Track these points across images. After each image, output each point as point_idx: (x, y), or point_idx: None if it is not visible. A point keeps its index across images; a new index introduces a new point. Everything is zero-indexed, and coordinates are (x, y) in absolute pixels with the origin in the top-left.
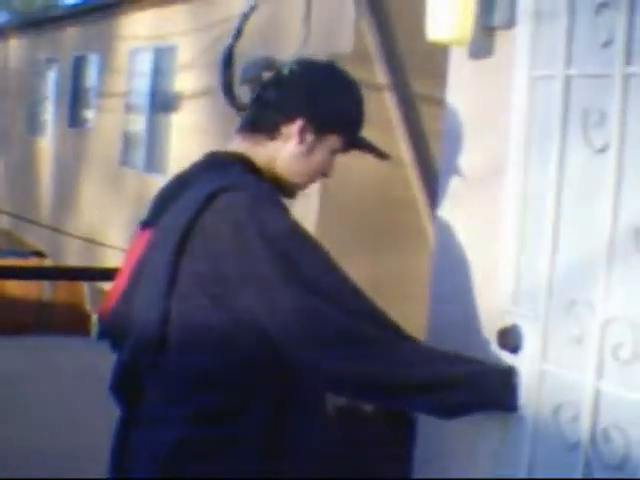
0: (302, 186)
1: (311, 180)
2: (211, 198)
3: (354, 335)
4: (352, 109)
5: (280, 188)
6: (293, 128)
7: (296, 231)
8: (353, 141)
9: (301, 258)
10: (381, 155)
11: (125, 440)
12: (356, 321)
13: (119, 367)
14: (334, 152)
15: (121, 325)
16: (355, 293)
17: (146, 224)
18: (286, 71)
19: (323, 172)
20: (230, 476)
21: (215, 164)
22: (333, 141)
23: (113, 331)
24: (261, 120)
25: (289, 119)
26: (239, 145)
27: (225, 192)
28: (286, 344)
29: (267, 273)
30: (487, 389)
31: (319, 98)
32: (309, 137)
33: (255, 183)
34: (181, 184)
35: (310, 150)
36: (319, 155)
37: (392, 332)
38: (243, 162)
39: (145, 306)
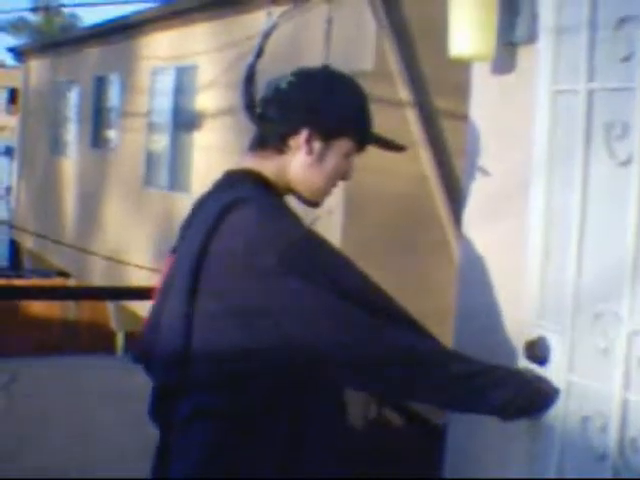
0: (323, 193)
1: (331, 186)
2: (221, 216)
3: (406, 352)
4: (354, 109)
5: (301, 199)
6: (299, 139)
7: (309, 239)
8: (365, 140)
9: (316, 264)
10: (397, 148)
11: (163, 464)
12: (396, 332)
13: (152, 391)
14: (348, 155)
15: (150, 350)
16: (382, 295)
17: (173, 250)
18: (284, 85)
19: (342, 176)
20: None
21: (228, 182)
22: (344, 144)
23: (144, 356)
24: (267, 136)
25: (294, 131)
26: (250, 162)
27: (234, 208)
28: (334, 361)
29: (284, 284)
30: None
31: (319, 105)
32: (317, 145)
33: (263, 196)
34: (200, 206)
35: (321, 158)
36: (331, 161)
37: (433, 340)
38: (254, 177)
39: (168, 330)
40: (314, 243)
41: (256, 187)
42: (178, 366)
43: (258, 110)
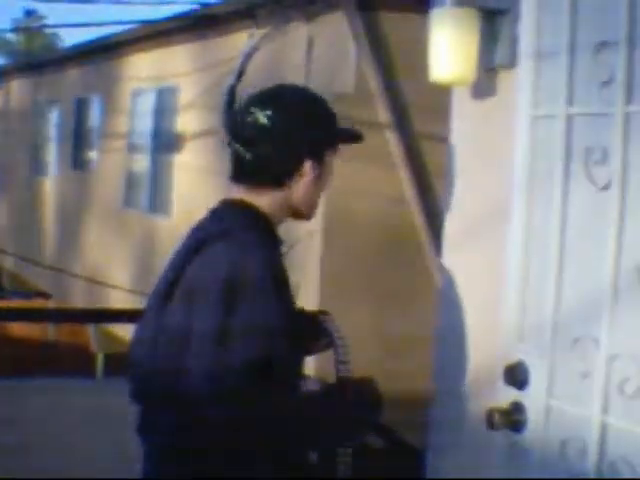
0: (316, 206)
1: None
2: (195, 251)
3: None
4: (329, 120)
5: (300, 218)
6: (304, 171)
7: (266, 284)
8: (339, 141)
9: (245, 313)
10: (357, 137)
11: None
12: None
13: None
14: (331, 162)
15: (138, 370)
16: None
17: None
18: (265, 120)
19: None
20: None
21: (219, 211)
22: (330, 155)
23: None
24: (264, 174)
25: (297, 165)
26: (242, 194)
27: (211, 243)
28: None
29: (206, 328)
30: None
31: (310, 134)
32: (317, 168)
33: (245, 229)
34: (191, 234)
35: (320, 176)
36: (326, 174)
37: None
38: (245, 209)
39: (143, 359)
40: (265, 294)
41: (242, 219)
42: (146, 382)
43: (244, 149)
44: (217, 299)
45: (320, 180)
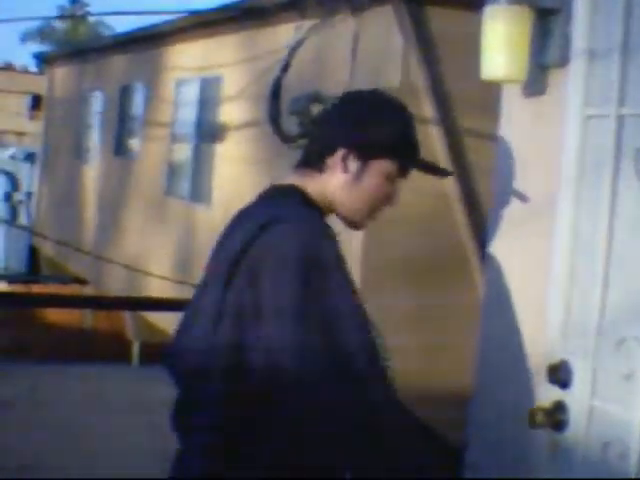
0: (364, 215)
1: (373, 208)
2: (261, 229)
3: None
4: (396, 132)
5: (342, 219)
6: (336, 158)
7: (335, 269)
8: (408, 164)
9: (326, 298)
10: (442, 173)
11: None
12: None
13: (176, 397)
14: (390, 178)
15: (178, 357)
16: (363, 346)
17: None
18: (329, 106)
19: (386, 200)
20: None
21: (270, 196)
22: (384, 166)
23: (171, 362)
24: (309, 155)
25: (331, 150)
26: (294, 179)
27: (276, 223)
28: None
29: (286, 305)
30: None
31: (357, 125)
32: (353, 165)
33: (307, 215)
34: (240, 218)
35: (357, 178)
36: (370, 181)
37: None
38: (298, 194)
39: (196, 339)
40: (342, 279)
41: (298, 204)
42: (202, 379)
43: (307, 129)
44: (297, 278)
45: (360, 183)
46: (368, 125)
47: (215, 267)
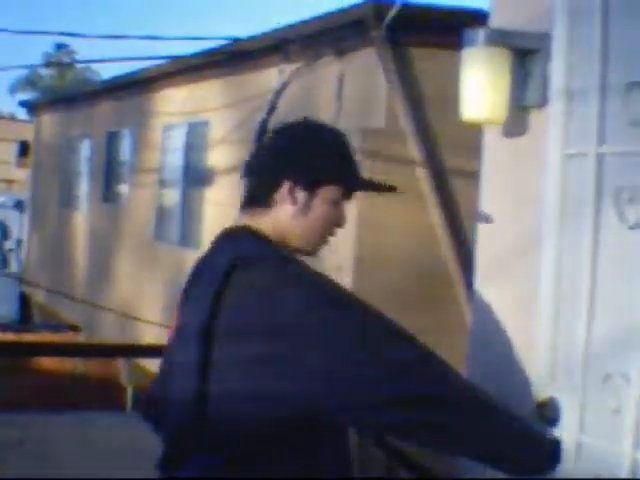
0: (317, 243)
1: (325, 234)
2: (230, 272)
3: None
4: (335, 157)
5: (296, 250)
6: (282, 192)
7: (324, 290)
8: (352, 186)
9: (336, 334)
10: (387, 189)
11: None
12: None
13: (163, 447)
14: (336, 202)
15: (158, 407)
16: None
17: (178, 305)
18: (265, 141)
19: (336, 223)
20: None
21: (228, 239)
22: (329, 192)
23: (150, 414)
24: (254, 193)
25: (276, 185)
26: (245, 220)
27: (245, 264)
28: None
29: (315, 358)
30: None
31: (297, 155)
32: (300, 196)
33: (270, 251)
34: (204, 264)
35: (306, 208)
36: (319, 209)
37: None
38: (253, 233)
39: (179, 391)
40: (331, 297)
41: (259, 242)
42: (190, 427)
43: (244, 166)
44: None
45: (310, 212)
46: (309, 155)
47: (189, 315)
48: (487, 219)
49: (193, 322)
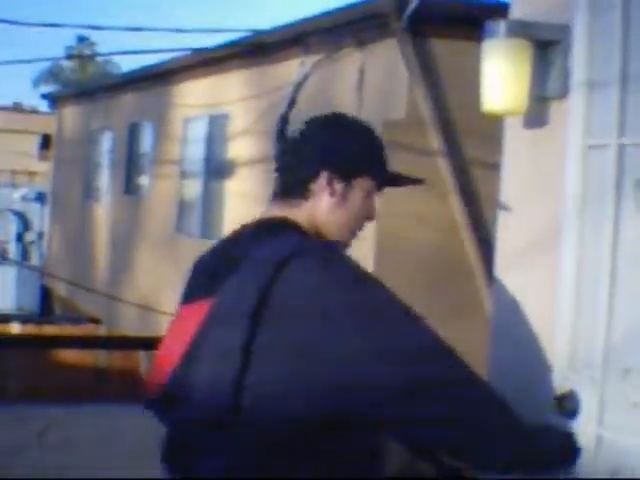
0: (351, 234)
1: (357, 226)
2: (280, 265)
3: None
4: (370, 148)
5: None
6: (321, 183)
7: (373, 295)
8: (384, 178)
9: (384, 328)
10: (415, 181)
11: None
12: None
13: (172, 437)
14: (369, 194)
15: (176, 397)
16: (440, 352)
17: (195, 296)
18: (297, 134)
19: (367, 216)
20: None
21: (266, 231)
22: (364, 183)
23: (165, 402)
24: (290, 184)
25: (314, 176)
26: (279, 211)
27: (291, 261)
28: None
29: (356, 345)
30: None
31: (334, 146)
32: (338, 187)
33: (318, 247)
34: (232, 254)
35: (344, 199)
36: (354, 201)
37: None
38: (293, 226)
39: (212, 378)
40: (379, 299)
41: (302, 236)
42: (223, 418)
43: (278, 160)
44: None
45: (346, 204)
46: (345, 146)
47: (225, 306)
48: (506, 207)
49: (239, 306)
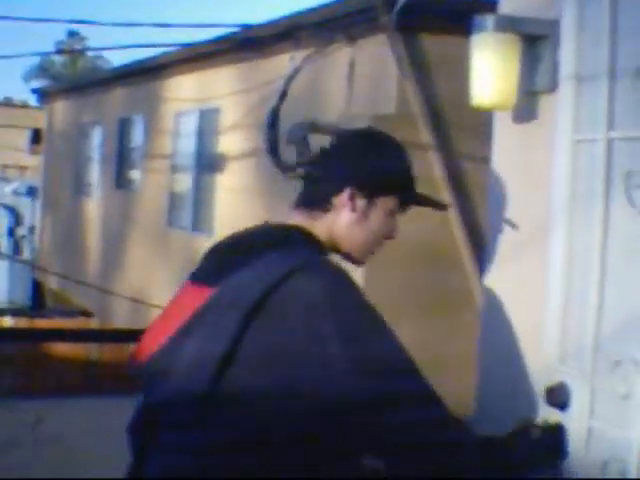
0: (368, 251)
1: (376, 244)
2: (286, 276)
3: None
4: (398, 168)
5: (346, 257)
6: (343, 198)
7: (368, 314)
8: (409, 199)
9: (371, 344)
10: (440, 206)
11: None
12: (421, 407)
13: (142, 410)
14: (392, 213)
15: (159, 371)
16: (419, 379)
17: (201, 280)
18: (328, 145)
19: (387, 234)
20: None
21: (281, 238)
22: (387, 203)
23: (147, 375)
24: (313, 195)
25: (338, 190)
26: (299, 219)
27: (300, 272)
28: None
29: (336, 355)
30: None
31: (362, 164)
32: (360, 203)
33: (329, 264)
34: (245, 251)
35: (364, 216)
36: (375, 219)
37: (457, 427)
38: (308, 237)
39: (195, 362)
40: (370, 319)
41: (316, 251)
42: (194, 405)
43: (304, 170)
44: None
45: (366, 221)
46: (373, 163)
47: (224, 298)
48: (510, 224)
49: (234, 302)
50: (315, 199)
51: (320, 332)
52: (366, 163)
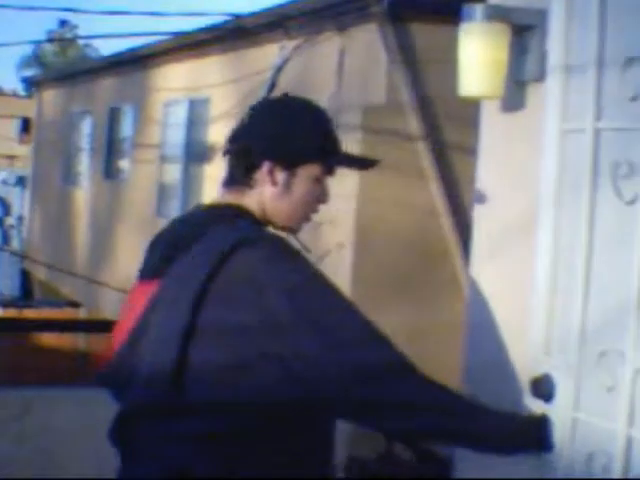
0: (300, 220)
1: (309, 211)
2: (227, 253)
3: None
4: (315, 135)
5: (278, 228)
6: (262, 173)
7: (314, 280)
8: (332, 163)
9: (322, 307)
10: (367, 165)
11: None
12: (386, 360)
13: (121, 414)
14: (318, 179)
15: (125, 374)
16: (378, 336)
17: (149, 276)
18: (245, 118)
19: (319, 200)
20: None
21: (218, 217)
22: (310, 170)
23: (115, 380)
24: (235, 172)
25: (256, 165)
26: (230, 198)
27: (241, 247)
28: (318, 385)
29: (291, 324)
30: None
31: (276, 136)
32: (280, 176)
33: (268, 236)
34: (184, 237)
35: (287, 188)
36: (299, 189)
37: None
38: (244, 212)
39: (157, 354)
40: (318, 284)
41: (254, 224)
42: (166, 393)
43: (226, 145)
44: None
45: (291, 192)
46: (288, 135)
47: (173, 285)
48: (482, 199)
49: (184, 289)
50: (239, 175)
51: (271, 306)
52: (281, 135)
